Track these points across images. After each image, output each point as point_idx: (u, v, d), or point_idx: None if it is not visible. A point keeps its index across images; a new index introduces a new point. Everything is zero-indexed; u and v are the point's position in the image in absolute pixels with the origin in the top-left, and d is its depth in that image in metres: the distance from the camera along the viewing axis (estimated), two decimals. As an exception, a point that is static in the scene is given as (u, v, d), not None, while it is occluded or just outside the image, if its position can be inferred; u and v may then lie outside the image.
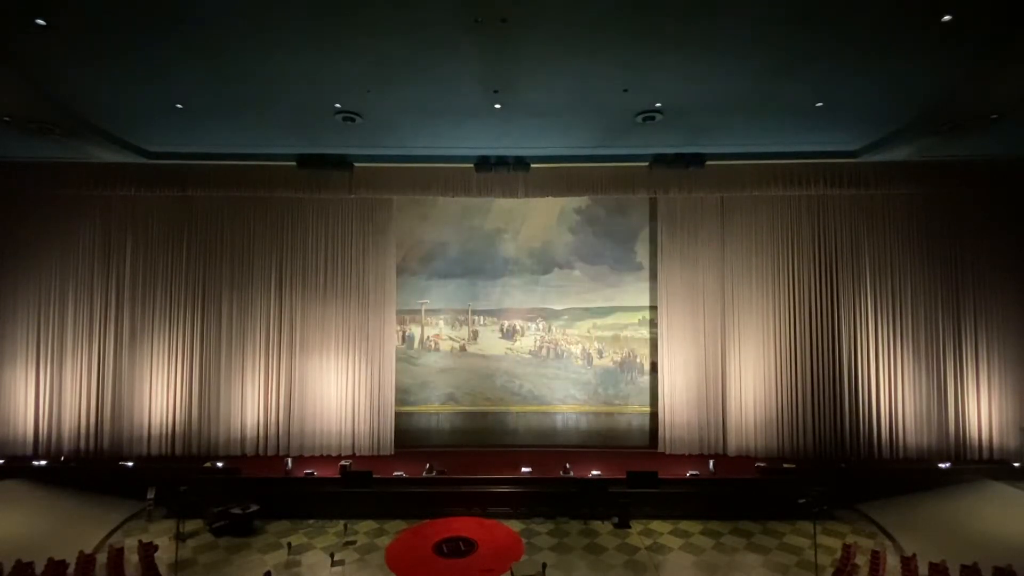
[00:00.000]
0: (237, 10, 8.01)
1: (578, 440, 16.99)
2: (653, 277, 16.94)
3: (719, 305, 16.33)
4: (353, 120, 12.01)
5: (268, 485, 14.11)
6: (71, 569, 10.66)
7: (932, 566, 10.36)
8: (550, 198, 16.14)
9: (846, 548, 11.39)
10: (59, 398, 15.53)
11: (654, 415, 16.78)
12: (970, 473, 14.41)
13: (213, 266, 16.10)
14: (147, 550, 11.10)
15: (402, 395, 17.27)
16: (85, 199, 15.49)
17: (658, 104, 11.36)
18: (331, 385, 16.22)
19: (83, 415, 15.55)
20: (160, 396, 15.82)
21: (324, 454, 15.98)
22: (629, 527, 13.35)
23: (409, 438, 17.00)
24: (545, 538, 12.87)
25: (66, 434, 15.46)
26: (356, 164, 14.73)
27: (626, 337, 17.28)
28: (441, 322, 17.54)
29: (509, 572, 10.88)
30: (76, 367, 15.63)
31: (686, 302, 16.42)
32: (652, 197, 16.34)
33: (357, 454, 15.94)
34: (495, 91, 10.71)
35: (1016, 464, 14.59)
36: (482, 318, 17.52)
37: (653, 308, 17.05)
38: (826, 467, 14.92)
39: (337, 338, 16.28)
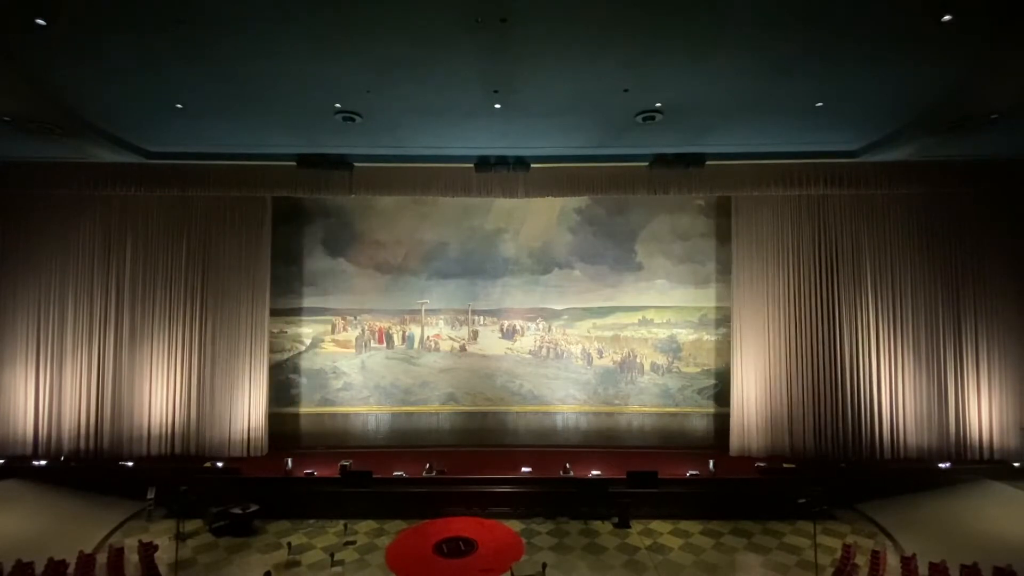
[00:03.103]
0: (238, 10, 8.00)
1: (578, 440, 17.01)
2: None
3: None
4: (353, 120, 11.99)
5: (268, 485, 14.11)
6: (71, 569, 10.65)
7: (932, 566, 10.36)
8: (550, 198, 16.14)
9: (846, 548, 11.39)
10: (59, 398, 15.51)
11: (659, 415, 17.00)
12: (970, 473, 14.40)
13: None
14: (147, 550, 11.10)
15: (402, 395, 17.31)
16: (85, 199, 15.48)
17: (658, 104, 11.35)
18: (195, 386, 16.00)
19: (83, 415, 15.53)
20: (160, 396, 15.81)
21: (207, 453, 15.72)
22: (629, 527, 13.35)
23: (409, 438, 17.04)
24: (545, 538, 12.87)
25: (66, 434, 15.44)
26: (356, 164, 14.72)
27: (626, 337, 17.29)
28: (441, 322, 17.55)
29: (509, 572, 10.87)
30: (76, 367, 15.62)
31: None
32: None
33: (230, 455, 15.70)
34: (495, 91, 10.70)
35: (1016, 464, 14.58)
36: (482, 318, 17.53)
37: (661, 308, 17.08)
38: (826, 467, 14.92)
39: (204, 339, 16.06)
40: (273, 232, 17.08)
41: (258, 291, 16.27)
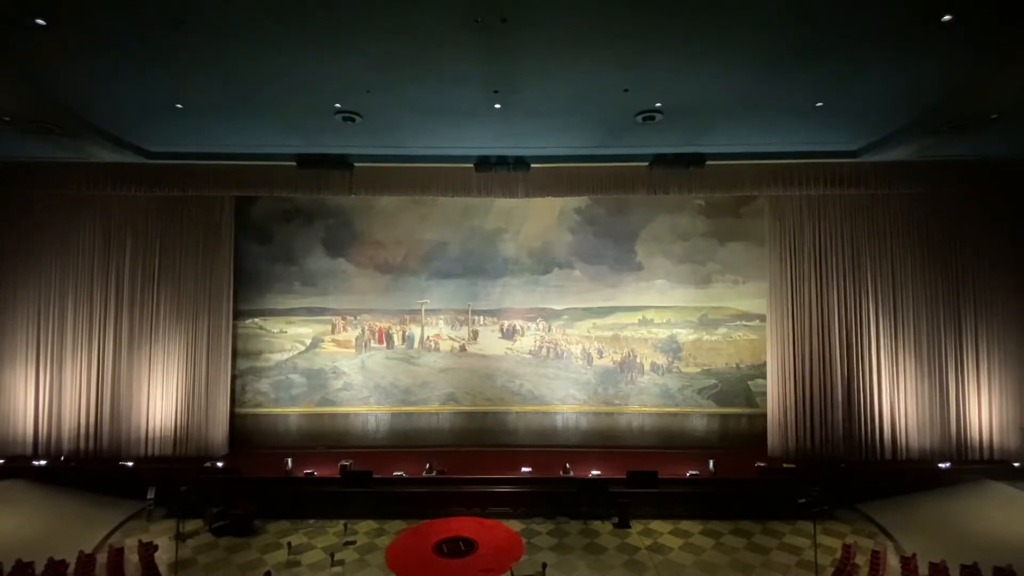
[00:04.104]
0: (238, 10, 8.00)
1: (578, 440, 17.00)
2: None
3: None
4: (353, 120, 11.99)
5: (268, 485, 14.12)
6: (71, 569, 10.66)
7: (932, 566, 10.36)
8: (550, 198, 16.14)
9: (846, 548, 11.40)
10: (59, 398, 15.51)
11: (659, 415, 17.05)
12: (970, 473, 14.42)
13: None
14: (147, 550, 11.11)
15: (402, 395, 17.31)
16: (85, 199, 15.49)
17: (658, 104, 11.34)
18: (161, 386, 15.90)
19: (83, 415, 15.53)
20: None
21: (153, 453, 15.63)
22: (629, 527, 13.35)
23: (409, 438, 17.04)
24: (545, 538, 12.88)
25: (66, 434, 15.43)
26: (356, 164, 14.72)
27: (626, 337, 17.29)
28: (441, 322, 17.55)
29: (509, 572, 10.87)
30: (76, 367, 15.61)
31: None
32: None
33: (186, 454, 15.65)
34: (495, 91, 10.70)
35: (1016, 464, 14.58)
36: (482, 318, 17.53)
37: (661, 308, 17.12)
38: (826, 467, 14.92)
39: (170, 339, 15.95)
40: (273, 232, 17.23)
41: (216, 293, 16.09)
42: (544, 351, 17.45)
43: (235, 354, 16.88)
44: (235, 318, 16.92)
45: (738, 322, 17.07)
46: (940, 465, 14.71)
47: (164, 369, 15.91)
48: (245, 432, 16.93)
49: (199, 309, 16.08)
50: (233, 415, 16.66)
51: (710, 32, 8.60)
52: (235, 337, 16.84)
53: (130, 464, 15.02)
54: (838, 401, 15.53)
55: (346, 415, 17.23)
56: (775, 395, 15.91)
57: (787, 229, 16.02)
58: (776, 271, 16.07)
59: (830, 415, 15.53)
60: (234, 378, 16.91)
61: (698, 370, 17.17)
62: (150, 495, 13.71)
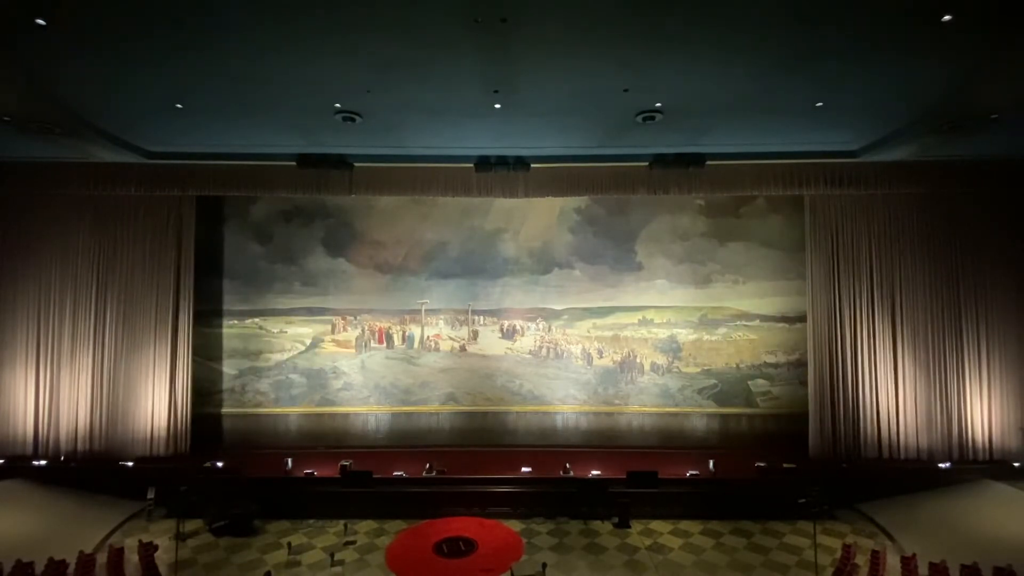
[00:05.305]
0: (237, 10, 8.00)
1: (578, 440, 17.00)
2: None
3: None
4: (353, 120, 11.99)
5: (268, 485, 14.12)
6: (71, 569, 10.67)
7: (932, 566, 10.36)
8: (550, 198, 16.14)
9: (846, 548, 11.40)
10: (59, 398, 15.48)
11: (659, 415, 17.01)
12: (970, 473, 14.40)
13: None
14: (147, 550, 11.12)
15: (402, 395, 17.31)
16: (85, 199, 15.47)
17: (658, 104, 11.34)
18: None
19: (82, 415, 15.51)
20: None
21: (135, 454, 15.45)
22: (629, 527, 13.35)
23: (409, 438, 17.04)
24: (545, 538, 12.88)
25: (66, 434, 15.41)
26: (356, 164, 14.72)
27: (626, 337, 17.30)
28: (441, 322, 17.55)
29: (509, 572, 10.87)
30: (75, 367, 15.58)
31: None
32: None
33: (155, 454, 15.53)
34: (495, 91, 10.70)
35: (1016, 464, 14.57)
36: (482, 318, 17.53)
37: (661, 308, 17.12)
38: (826, 467, 14.91)
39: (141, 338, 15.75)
40: (273, 232, 17.23)
41: (163, 291, 15.75)
42: (544, 351, 17.45)
43: (194, 353, 16.46)
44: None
45: (738, 322, 17.08)
46: (940, 465, 14.70)
47: (155, 369, 15.81)
48: (245, 432, 16.95)
49: (155, 308, 15.78)
50: (194, 414, 16.24)
51: (710, 32, 8.59)
52: (194, 336, 16.41)
53: (130, 464, 15.02)
54: (836, 401, 15.47)
55: (346, 415, 17.24)
56: (815, 397, 15.57)
57: (827, 230, 15.70)
58: (818, 272, 15.67)
59: (869, 414, 15.29)
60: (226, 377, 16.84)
61: (698, 370, 17.17)
62: (150, 495, 13.71)
